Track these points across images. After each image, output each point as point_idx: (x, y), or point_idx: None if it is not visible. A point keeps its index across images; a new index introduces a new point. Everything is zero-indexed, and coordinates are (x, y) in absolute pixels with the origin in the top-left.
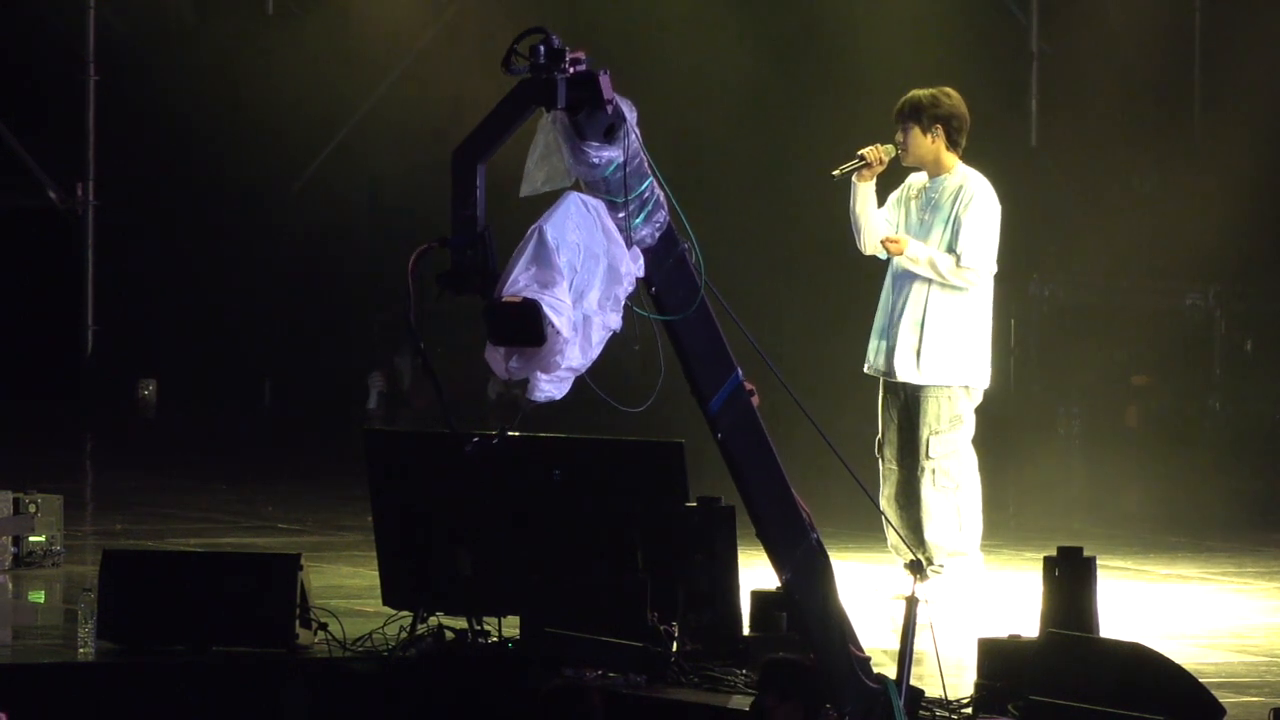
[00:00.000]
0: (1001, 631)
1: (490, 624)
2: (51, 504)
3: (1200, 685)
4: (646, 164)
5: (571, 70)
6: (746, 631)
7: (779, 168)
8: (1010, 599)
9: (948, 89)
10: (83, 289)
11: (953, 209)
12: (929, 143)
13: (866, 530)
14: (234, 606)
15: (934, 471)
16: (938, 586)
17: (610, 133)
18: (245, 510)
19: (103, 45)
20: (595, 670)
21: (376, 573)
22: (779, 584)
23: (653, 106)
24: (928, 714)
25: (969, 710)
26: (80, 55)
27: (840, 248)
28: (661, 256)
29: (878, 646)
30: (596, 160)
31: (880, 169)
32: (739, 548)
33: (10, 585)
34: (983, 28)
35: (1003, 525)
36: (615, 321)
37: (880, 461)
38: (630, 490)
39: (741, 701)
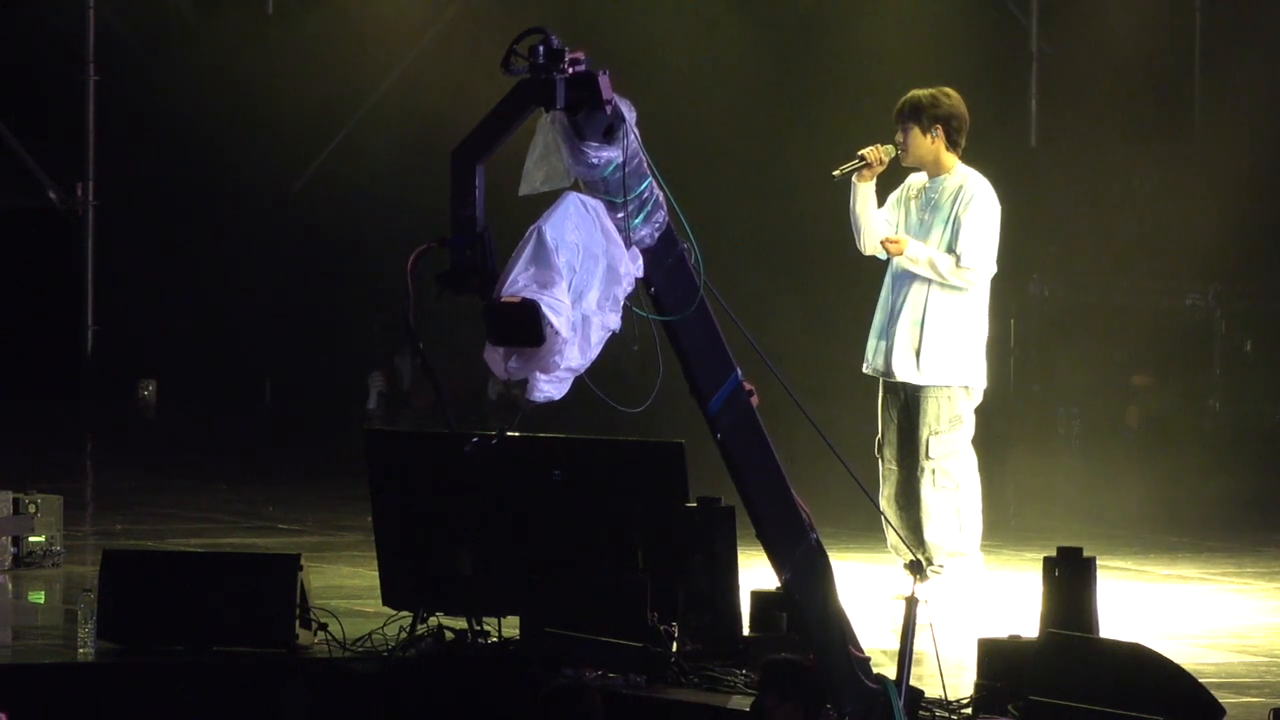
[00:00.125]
0: (1001, 631)
1: (490, 624)
2: (51, 504)
3: (1200, 685)
4: (646, 164)
5: (571, 70)
6: (746, 632)
7: (779, 168)
8: (1010, 599)
9: (948, 89)
10: (83, 289)
11: (952, 209)
12: (929, 143)
13: (866, 530)
14: (234, 606)
15: (934, 472)
16: (938, 587)
17: (609, 133)
18: (245, 510)
19: (103, 45)
20: (595, 670)
21: (376, 573)
22: (779, 584)
23: (652, 107)
24: (928, 714)
25: (969, 710)
26: (80, 55)
27: (840, 248)
28: (661, 257)
29: (878, 646)
30: (595, 160)
31: (880, 169)
32: (739, 548)
33: (10, 585)
34: (983, 28)
35: (1003, 525)
36: (614, 322)
37: (880, 461)
38: (630, 490)
39: (741, 702)
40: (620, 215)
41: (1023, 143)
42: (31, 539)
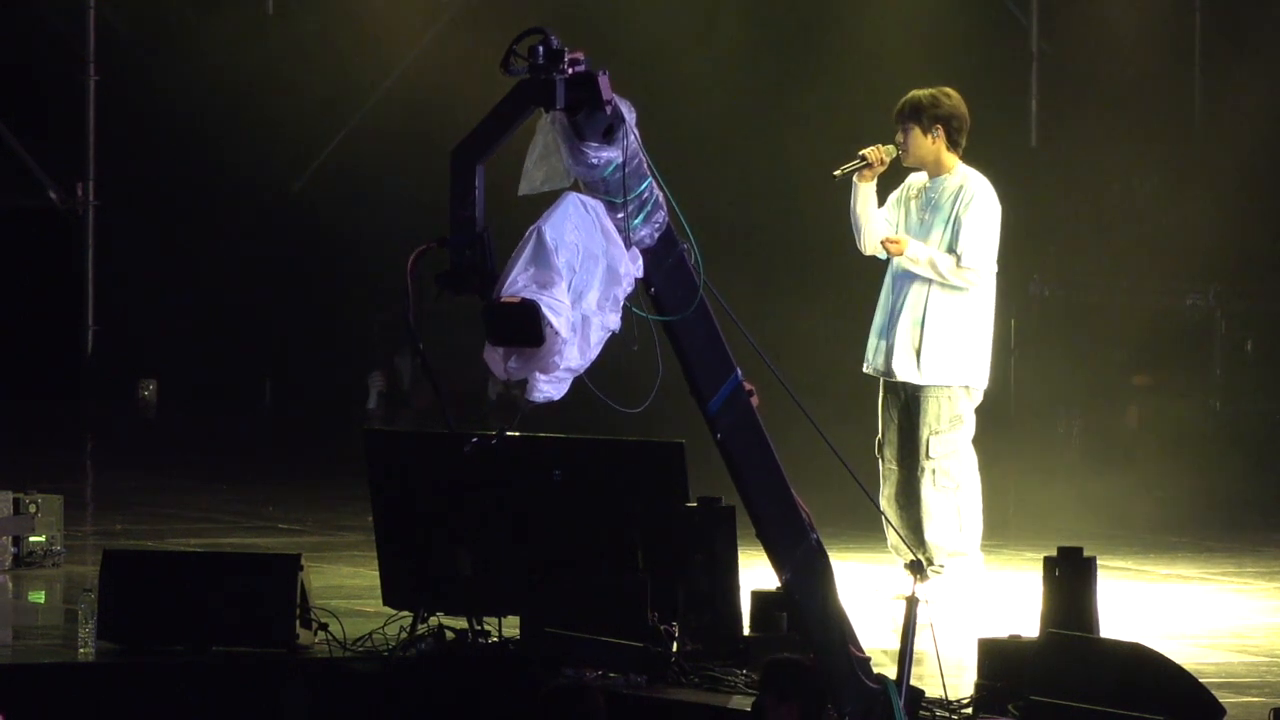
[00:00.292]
0: (1001, 631)
1: (490, 624)
2: (51, 504)
3: (1200, 685)
4: (645, 164)
5: (570, 71)
6: (746, 632)
7: (778, 168)
8: (1010, 599)
9: (948, 89)
10: (83, 289)
11: (953, 209)
12: (929, 143)
13: (866, 530)
14: (234, 606)
15: (934, 471)
16: (938, 587)
17: (609, 133)
18: (245, 510)
19: (103, 45)
20: (595, 670)
21: (376, 573)
22: (779, 584)
23: (652, 107)
24: (928, 714)
25: (969, 710)
26: (80, 55)
27: (840, 248)
28: (660, 257)
29: (878, 646)
30: (595, 161)
31: (881, 169)
32: (739, 548)
33: (10, 585)
34: (983, 28)
35: (1003, 525)
36: (614, 322)
37: (880, 461)
38: (630, 490)
39: (742, 702)
40: (620, 215)
41: (1023, 143)
42: (32, 539)
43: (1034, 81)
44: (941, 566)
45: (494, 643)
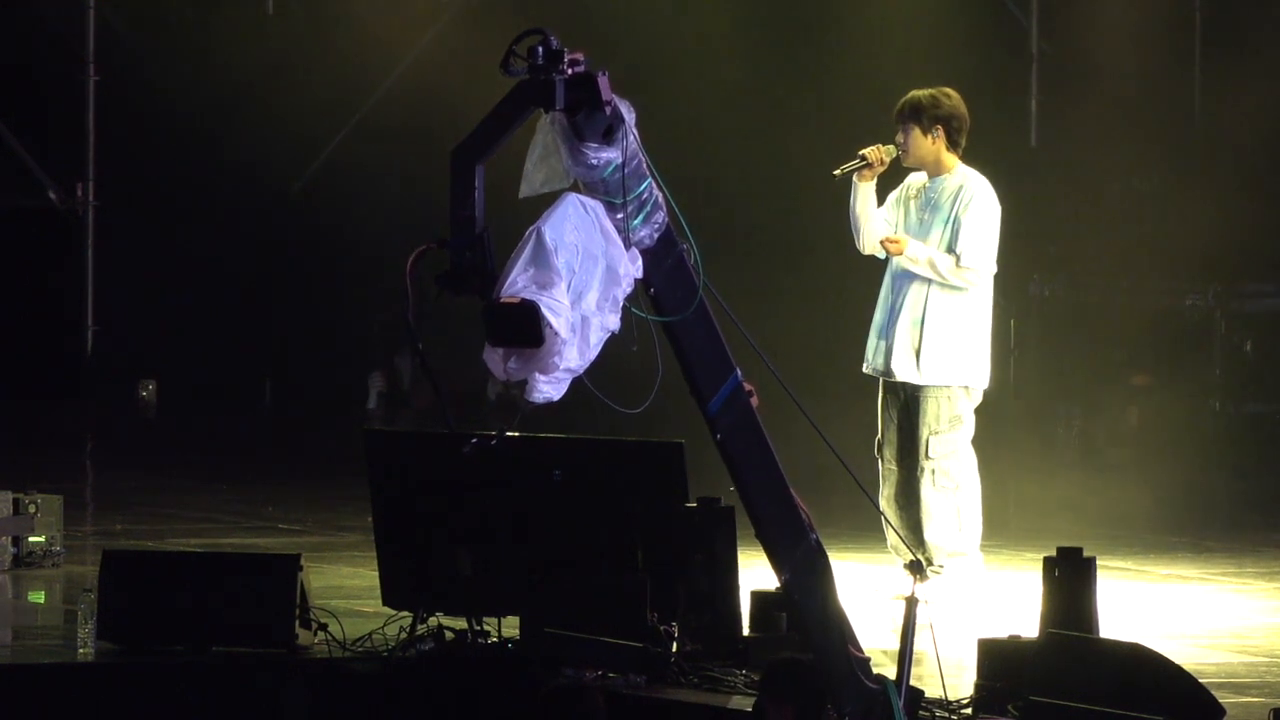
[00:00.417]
0: (1001, 632)
1: (490, 624)
2: (51, 504)
3: (1200, 685)
4: (645, 165)
5: (570, 71)
6: (746, 632)
7: (778, 168)
8: (1010, 599)
9: (948, 89)
10: (83, 289)
11: (952, 209)
12: (929, 143)
13: (866, 530)
14: (234, 606)
15: (934, 472)
16: (938, 587)
17: (609, 134)
18: (246, 510)
19: (103, 45)
20: (595, 670)
21: (376, 573)
22: (779, 584)
23: (651, 107)
24: (928, 714)
25: (969, 711)
26: (80, 55)
27: (840, 247)
28: (660, 257)
29: (878, 647)
30: (595, 161)
31: (881, 169)
32: (739, 548)
33: (10, 585)
34: (983, 28)
35: (1003, 525)
36: (613, 323)
37: (880, 461)
38: (630, 490)
39: (742, 702)
40: (619, 216)
41: (1023, 143)
42: (31, 539)
43: (1034, 81)
44: (941, 567)
45: (494, 643)
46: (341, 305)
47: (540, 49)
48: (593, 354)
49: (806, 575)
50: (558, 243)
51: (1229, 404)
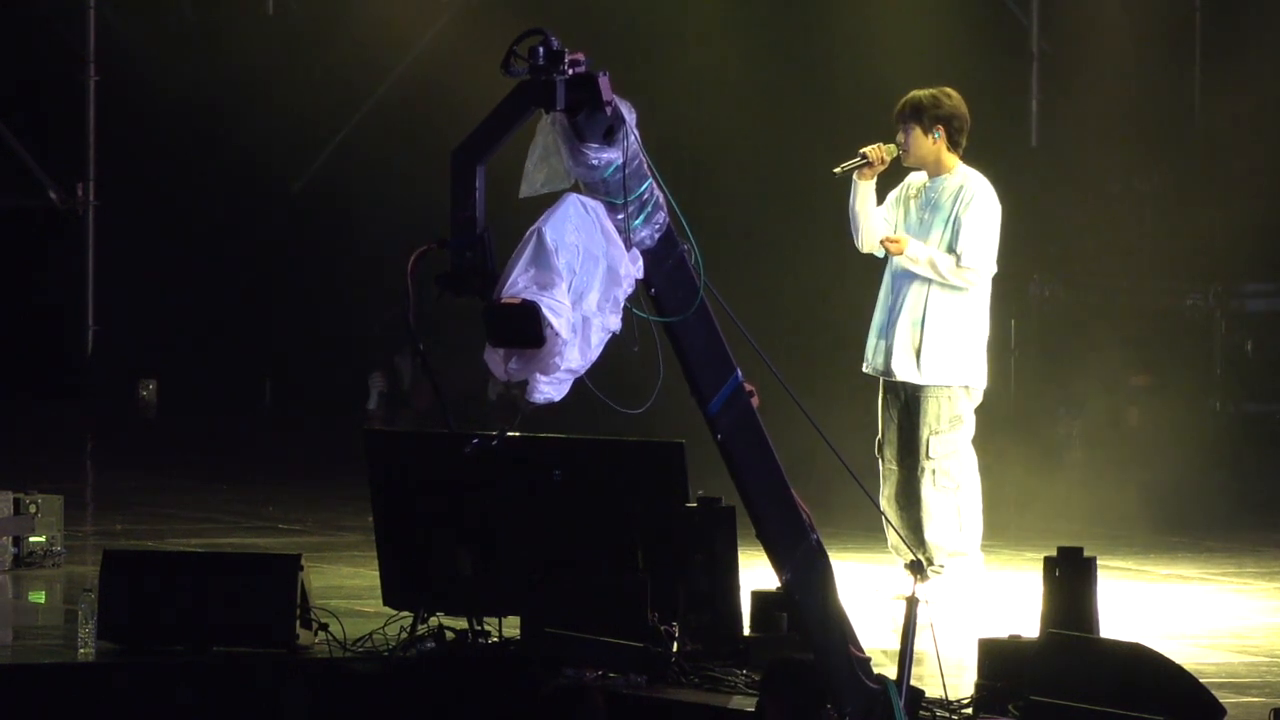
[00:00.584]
0: (1001, 631)
1: (490, 624)
2: (51, 504)
3: (1200, 685)
4: (646, 165)
5: (570, 72)
6: (747, 632)
7: (778, 168)
8: (1010, 599)
9: (948, 89)
10: (83, 289)
11: (953, 209)
12: (930, 143)
13: (866, 530)
14: (234, 606)
15: (934, 472)
16: (938, 587)
17: (609, 134)
18: (246, 510)
19: (103, 45)
20: (595, 671)
21: (376, 573)
22: (779, 584)
23: (652, 107)
24: (928, 714)
25: (969, 710)
26: (80, 55)
27: (840, 247)
28: (661, 258)
29: (878, 646)
30: (596, 162)
31: (882, 168)
32: (739, 548)
33: (10, 585)
34: (983, 28)
35: (1003, 525)
36: (614, 323)
37: (880, 461)
38: (630, 490)
39: (742, 702)
40: (620, 216)
41: (1023, 143)
42: (32, 539)
43: (1034, 81)
44: (941, 566)
45: (494, 643)
46: (341, 305)
47: (541, 49)
48: (594, 355)
49: (807, 575)
50: (558, 243)
51: (1229, 404)
